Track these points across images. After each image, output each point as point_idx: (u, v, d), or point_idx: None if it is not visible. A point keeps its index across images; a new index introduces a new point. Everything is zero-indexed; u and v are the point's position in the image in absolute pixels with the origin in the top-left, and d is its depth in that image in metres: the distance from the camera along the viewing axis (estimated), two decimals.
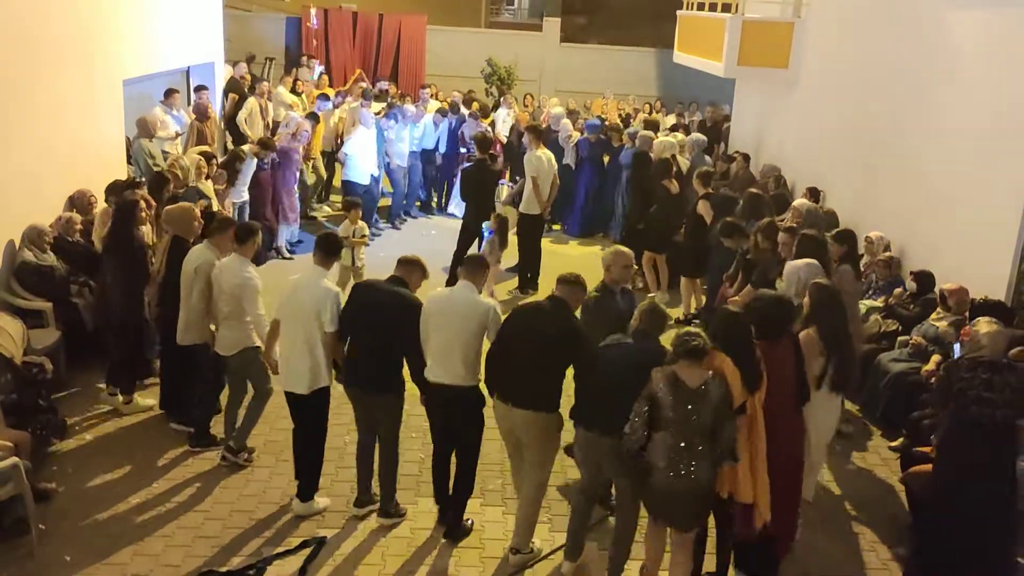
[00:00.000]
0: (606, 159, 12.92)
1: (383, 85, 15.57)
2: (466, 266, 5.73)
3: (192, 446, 6.58)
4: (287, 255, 11.01)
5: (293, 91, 14.73)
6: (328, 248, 5.86)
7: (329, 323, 5.60)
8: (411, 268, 5.72)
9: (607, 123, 13.72)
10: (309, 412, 5.85)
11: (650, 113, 16.33)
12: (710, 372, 4.71)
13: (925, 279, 8.11)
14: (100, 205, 8.36)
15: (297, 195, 11.29)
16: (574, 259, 11.63)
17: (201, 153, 9.32)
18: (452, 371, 5.41)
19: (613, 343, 5.17)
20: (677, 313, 9.75)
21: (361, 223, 9.44)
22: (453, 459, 5.78)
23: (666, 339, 5.06)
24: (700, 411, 4.62)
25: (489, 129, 13.10)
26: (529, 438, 5.34)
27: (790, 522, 5.39)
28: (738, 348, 4.91)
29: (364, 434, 5.87)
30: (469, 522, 5.84)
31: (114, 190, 8.08)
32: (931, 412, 6.50)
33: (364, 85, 15.47)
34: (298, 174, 11.24)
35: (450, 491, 5.78)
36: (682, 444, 4.64)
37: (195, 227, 6.80)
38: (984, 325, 5.35)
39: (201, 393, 6.66)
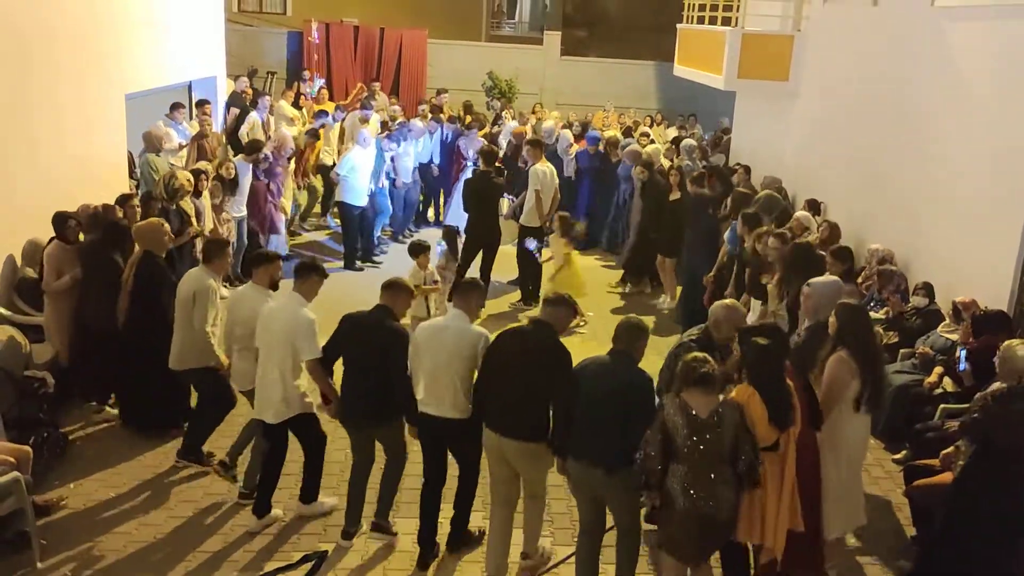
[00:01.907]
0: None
1: (395, 108, 15.35)
2: (458, 293, 5.58)
3: (179, 457, 6.47)
4: None
5: (295, 105, 14.79)
6: (306, 274, 5.68)
7: (308, 351, 5.47)
8: (395, 293, 5.56)
9: (605, 137, 13.76)
10: (297, 432, 5.80)
11: (651, 126, 16.38)
12: (720, 398, 4.58)
13: (929, 292, 8.10)
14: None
15: (282, 209, 11.05)
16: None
17: (191, 170, 9.27)
18: (444, 403, 5.29)
19: (586, 365, 4.99)
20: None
21: (431, 268, 8.49)
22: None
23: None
24: (714, 440, 4.46)
25: (485, 142, 13.10)
26: (522, 468, 5.25)
27: (811, 558, 5.10)
28: (768, 382, 4.69)
29: (361, 456, 5.76)
30: (478, 532, 5.76)
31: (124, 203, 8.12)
32: (960, 441, 5.83)
33: (366, 94, 15.53)
34: (283, 189, 10.98)
35: (435, 525, 5.63)
36: (697, 475, 4.48)
37: (165, 241, 6.80)
38: (1019, 348, 5.25)
39: (209, 414, 6.51)
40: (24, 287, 7.47)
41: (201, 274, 6.23)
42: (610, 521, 5.22)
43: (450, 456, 5.64)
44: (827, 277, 6.49)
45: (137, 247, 6.80)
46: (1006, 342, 5.52)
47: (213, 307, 6.17)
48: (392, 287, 5.59)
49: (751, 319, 7.77)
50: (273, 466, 5.87)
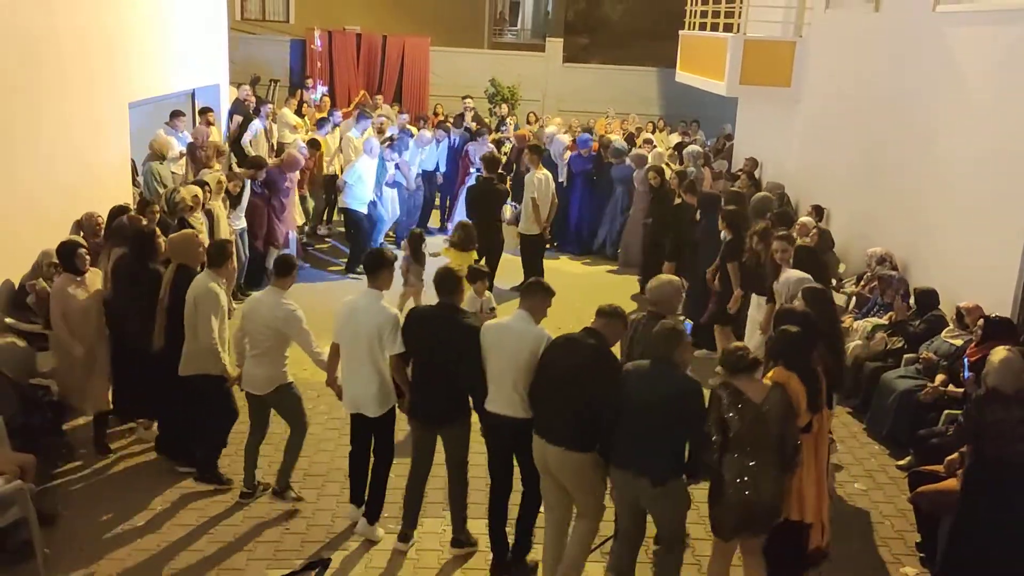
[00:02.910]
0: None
1: (403, 117, 15.21)
2: (523, 294, 5.47)
3: (197, 479, 6.35)
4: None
5: (298, 113, 14.80)
6: (377, 268, 5.66)
7: (392, 346, 5.49)
8: (456, 290, 5.58)
9: (598, 138, 13.81)
10: (378, 433, 5.77)
11: (653, 132, 16.40)
12: (768, 383, 4.78)
13: (928, 297, 8.10)
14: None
15: (287, 222, 10.89)
16: (578, 277, 11.68)
17: (195, 182, 9.20)
18: (510, 402, 5.26)
19: (630, 373, 4.96)
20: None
21: (488, 294, 7.74)
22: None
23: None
24: (765, 425, 4.66)
25: (495, 149, 13.13)
26: (565, 480, 5.09)
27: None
28: (803, 366, 4.93)
29: (420, 464, 5.71)
30: (532, 564, 5.57)
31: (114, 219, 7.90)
32: (956, 445, 6.01)
33: (367, 105, 15.51)
34: (287, 204, 10.80)
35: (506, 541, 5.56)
36: (752, 462, 4.65)
37: (199, 254, 6.52)
38: (999, 352, 5.21)
39: (212, 427, 6.38)
40: (26, 296, 7.44)
41: (204, 279, 6.10)
42: (649, 529, 5.18)
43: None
44: (797, 273, 6.99)
45: (171, 262, 6.45)
46: (995, 348, 5.46)
47: (218, 312, 6.04)
48: (446, 282, 5.54)
49: (752, 314, 8.05)
50: (364, 470, 5.88)
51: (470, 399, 5.54)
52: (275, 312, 5.85)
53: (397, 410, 5.77)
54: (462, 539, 5.72)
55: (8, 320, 7.24)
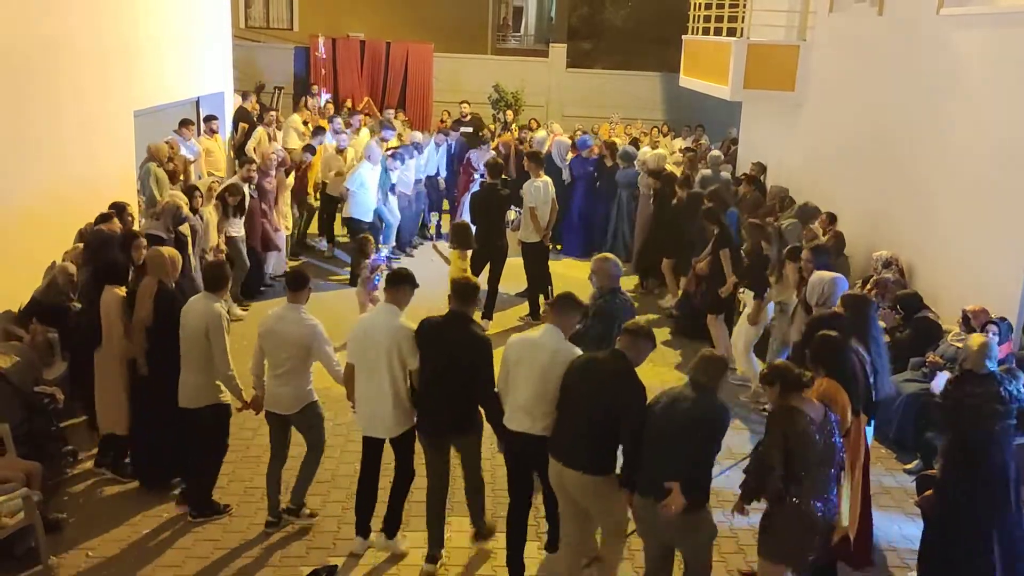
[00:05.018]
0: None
1: (416, 135, 15.14)
2: (555, 309, 5.31)
3: (194, 517, 6.00)
4: (267, 284, 10.81)
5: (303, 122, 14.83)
6: (396, 284, 5.58)
7: (412, 360, 5.39)
8: (473, 300, 5.51)
9: (602, 140, 13.84)
10: (397, 454, 5.64)
11: (658, 137, 16.41)
12: (816, 400, 4.75)
13: (910, 301, 8.07)
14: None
15: (277, 227, 10.85)
16: (581, 281, 11.59)
17: (184, 189, 9.17)
18: (532, 419, 5.12)
19: (667, 399, 4.75)
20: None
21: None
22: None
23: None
24: (828, 442, 4.60)
25: (494, 155, 13.13)
26: (587, 504, 4.98)
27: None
28: (844, 372, 5.04)
29: (436, 481, 5.61)
30: None
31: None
32: (939, 428, 6.34)
33: (380, 119, 15.49)
34: (273, 205, 10.75)
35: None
36: (818, 483, 4.59)
37: (173, 272, 6.21)
38: (975, 339, 5.48)
39: (207, 461, 6.09)
40: (35, 307, 7.45)
41: (207, 303, 5.81)
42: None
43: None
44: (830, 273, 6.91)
45: (148, 277, 6.18)
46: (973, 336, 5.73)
47: (227, 335, 5.86)
48: (463, 296, 5.47)
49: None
50: (370, 495, 5.78)
51: (482, 411, 5.46)
52: (299, 328, 5.68)
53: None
54: (483, 531, 5.70)
55: (14, 328, 7.25)
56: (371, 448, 5.70)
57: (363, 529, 5.78)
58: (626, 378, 4.83)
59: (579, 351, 5.14)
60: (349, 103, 17.67)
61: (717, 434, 4.65)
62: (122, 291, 6.28)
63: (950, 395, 5.39)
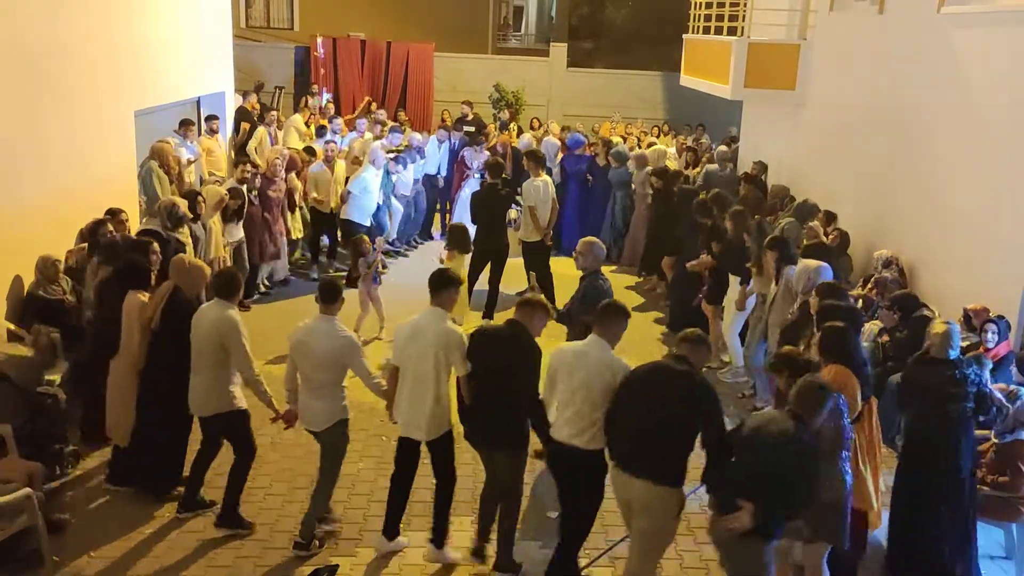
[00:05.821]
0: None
1: (415, 137, 15.05)
2: (600, 320, 5.20)
3: (218, 524, 5.91)
4: (264, 290, 10.78)
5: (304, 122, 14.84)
6: (441, 287, 5.51)
7: (462, 366, 5.34)
8: (531, 311, 5.43)
9: (592, 138, 13.86)
10: (434, 457, 5.59)
11: (658, 136, 16.40)
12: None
13: (907, 301, 8.06)
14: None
15: (278, 233, 10.70)
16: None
17: (184, 194, 9.08)
18: (574, 431, 5.04)
19: (758, 424, 4.68)
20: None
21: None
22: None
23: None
24: (844, 421, 4.96)
25: (488, 154, 13.13)
26: (644, 512, 4.84)
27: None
28: (853, 359, 5.27)
29: (490, 479, 5.61)
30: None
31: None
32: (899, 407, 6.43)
33: (392, 125, 15.45)
34: (277, 212, 10.61)
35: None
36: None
37: (201, 287, 6.24)
38: (938, 326, 5.71)
39: (242, 467, 5.96)
40: (33, 305, 7.46)
41: (220, 309, 5.71)
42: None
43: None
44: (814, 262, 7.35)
45: (169, 280, 6.17)
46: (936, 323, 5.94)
47: (246, 340, 5.74)
48: (527, 304, 5.47)
49: (728, 293, 8.75)
50: (402, 494, 5.74)
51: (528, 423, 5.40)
52: (333, 342, 5.51)
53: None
54: (508, 566, 5.53)
55: (14, 328, 7.25)
56: (407, 450, 5.63)
57: (390, 531, 5.73)
58: (697, 386, 4.78)
59: (625, 364, 5.06)
60: (374, 105, 17.46)
61: (802, 463, 4.54)
62: (145, 297, 6.21)
63: (910, 377, 5.75)
